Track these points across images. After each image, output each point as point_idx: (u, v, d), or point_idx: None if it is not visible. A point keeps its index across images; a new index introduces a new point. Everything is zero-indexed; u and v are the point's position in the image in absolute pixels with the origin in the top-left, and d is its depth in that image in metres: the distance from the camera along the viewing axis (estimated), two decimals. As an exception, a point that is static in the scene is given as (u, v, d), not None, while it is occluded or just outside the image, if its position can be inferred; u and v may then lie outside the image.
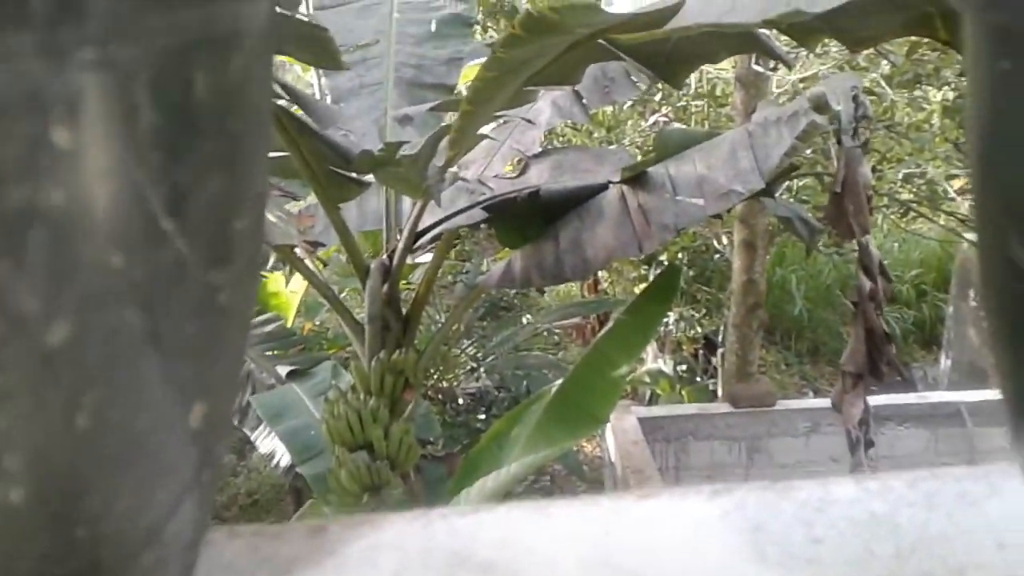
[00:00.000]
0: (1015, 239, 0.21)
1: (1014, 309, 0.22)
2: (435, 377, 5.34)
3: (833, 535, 0.35)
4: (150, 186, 0.22)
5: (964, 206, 4.64)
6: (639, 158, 3.14)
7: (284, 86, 2.07)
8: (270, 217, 2.43)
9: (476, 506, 0.41)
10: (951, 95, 4.00)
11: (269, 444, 2.80)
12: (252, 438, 2.92)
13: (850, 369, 2.30)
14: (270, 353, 3.21)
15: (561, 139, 6.13)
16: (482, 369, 5.27)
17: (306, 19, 2.33)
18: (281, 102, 2.03)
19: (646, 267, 6.07)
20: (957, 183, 4.63)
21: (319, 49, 1.93)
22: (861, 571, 0.33)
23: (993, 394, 4.55)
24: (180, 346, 0.24)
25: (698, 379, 6.23)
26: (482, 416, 4.92)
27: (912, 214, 5.77)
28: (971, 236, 5.04)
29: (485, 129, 2.37)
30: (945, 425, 4.32)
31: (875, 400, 4.24)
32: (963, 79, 3.95)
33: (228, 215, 0.25)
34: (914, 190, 4.91)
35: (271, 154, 2.41)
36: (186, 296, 0.24)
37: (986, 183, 0.24)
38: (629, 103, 5.69)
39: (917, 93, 4.28)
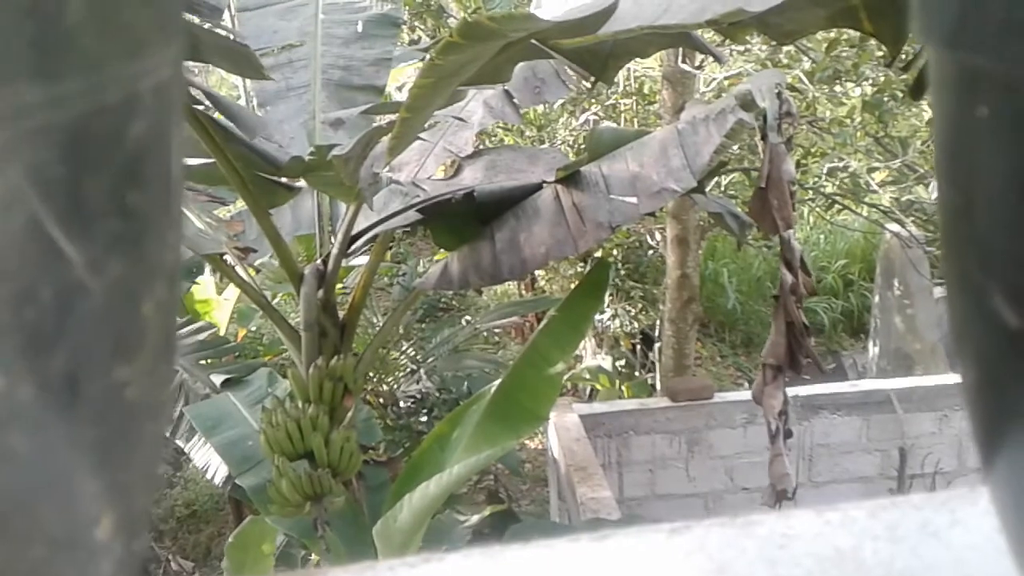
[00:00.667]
0: (995, 293, 0.19)
1: (991, 358, 0.21)
2: (375, 381, 5.30)
3: (799, 574, 0.34)
4: (40, 283, 0.19)
5: (886, 198, 4.79)
6: (571, 157, 3.17)
7: (207, 93, 2.03)
8: (198, 224, 2.38)
9: (427, 556, 0.38)
10: (870, 90, 4.12)
11: (204, 456, 2.74)
12: (186, 449, 2.85)
13: (770, 362, 2.35)
14: (203, 362, 3.15)
15: (493, 139, 6.14)
16: (422, 371, 5.24)
17: (226, 33, 2.28)
18: (203, 107, 1.99)
19: (582, 265, 6.12)
20: (879, 176, 4.78)
21: (241, 60, 1.89)
22: None
23: (921, 381, 4.71)
24: (81, 460, 0.21)
25: (637, 374, 6.30)
26: (424, 419, 4.90)
27: (837, 207, 5.94)
28: (894, 227, 5.21)
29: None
30: (876, 412, 4.46)
31: (809, 390, 4.37)
32: (881, 74, 4.08)
33: (134, 300, 0.22)
34: (838, 183, 5.05)
35: (196, 160, 2.37)
36: (85, 404, 0.21)
37: (960, 236, 0.22)
38: (559, 102, 5.73)
39: (838, 89, 4.40)
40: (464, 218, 2.38)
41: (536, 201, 2.32)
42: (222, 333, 4.17)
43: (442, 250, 2.95)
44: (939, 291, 6.03)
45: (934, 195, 4.35)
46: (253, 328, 5.63)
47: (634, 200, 2.17)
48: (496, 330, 6.70)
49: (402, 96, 3.11)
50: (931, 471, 4.36)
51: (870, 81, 4.18)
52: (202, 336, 3.25)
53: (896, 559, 0.34)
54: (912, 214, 5.05)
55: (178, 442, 2.91)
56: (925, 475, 4.36)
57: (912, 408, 4.43)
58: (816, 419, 4.46)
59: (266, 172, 2.11)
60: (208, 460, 2.73)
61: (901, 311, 5.87)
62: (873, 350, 6.26)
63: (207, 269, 2.99)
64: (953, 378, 4.66)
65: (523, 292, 7.23)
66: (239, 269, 2.55)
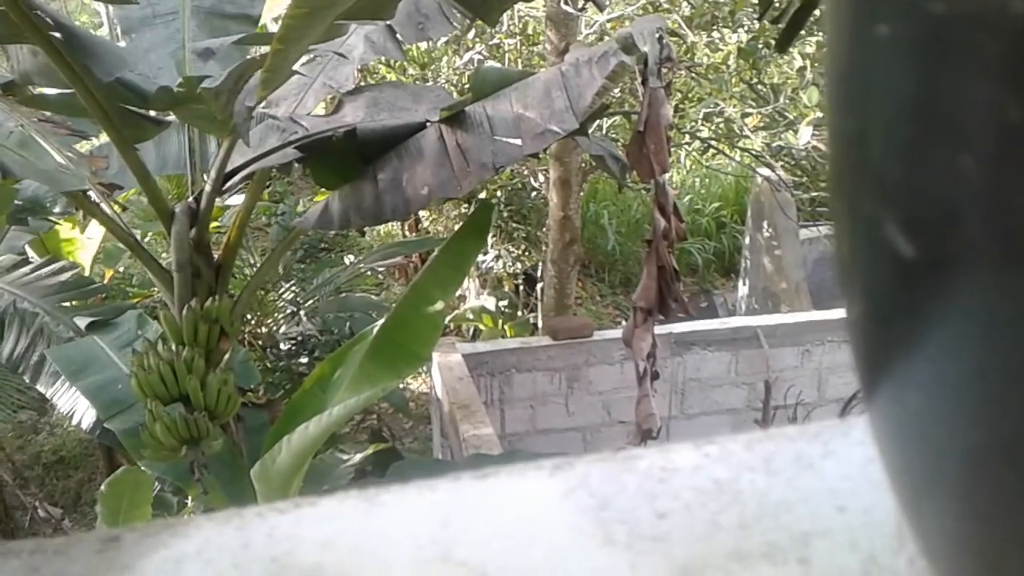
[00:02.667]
0: (889, 223, 0.19)
1: (880, 291, 0.21)
2: (253, 323, 5.16)
3: (678, 508, 0.35)
4: None
5: (757, 143, 4.96)
6: (456, 96, 3.12)
7: (59, 25, 1.88)
8: (58, 158, 2.22)
9: (298, 501, 0.36)
10: (745, 37, 4.23)
11: (70, 401, 2.61)
12: (49, 395, 2.71)
13: (641, 305, 2.41)
14: (66, 304, 2.98)
15: (375, 77, 5.99)
16: (303, 313, 5.14)
17: None
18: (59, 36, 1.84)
19: (467, 206, 6.10)
20: (751, 121, 4.94)
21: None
22: (708, 546, 0.33)
23: (785, 318, 4.97)
24: None
25: (519, 314, 6.39)
26: (305, 361, 4.82)
27: (712, 151, 6.12)
28: (764, 172, 5.42)
29: (296, 65, 2.26)
30: (744, 347, 4.68)
31: (682, 327, 4.54)
32: (755, 21, 4.19)
33: None
34: (713, 128, 5.19)
35: (55, 91, 2.20)
36: None
37: (853, 166, 0.21)
38: (443, 40, 5.62)
39: (715, 35, 4.50)
40: (345, 156, 2.31)
41: (419, 140, 2.28)
42: (87, 274, 3.95)
43: (323, 189, 2.87)
44: (805, 233, 6.34)
45: (802, 141, 4.53)
46: (121, 269, 5.37)
47: (518, 141, 2.17)
48: (379, 271, 6.63)
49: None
50: (793, 402, 4.63)
51: (745, 28, 4.29)
52: (64, 277, 3.07)
53: (772, 490, 0.35)
54: (781, 159, 5.26)
55: (39, 388, 2.76)
56: (788, 406, 4.63)
57: (777, 343, 4.68)
58: (688, 355, 4.65)
59: (132, 104, 1.98)
60: (74, 406, 2.61)
61: (769, 252, 6.15)
62: (743, 289, 6.54)
63: (62, 206, 2.80)
64: (815, 315, 4.94)
65: (407, 232, 7.17)
66: (104, 206, 2.41)
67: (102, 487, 2.46)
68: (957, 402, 0.19)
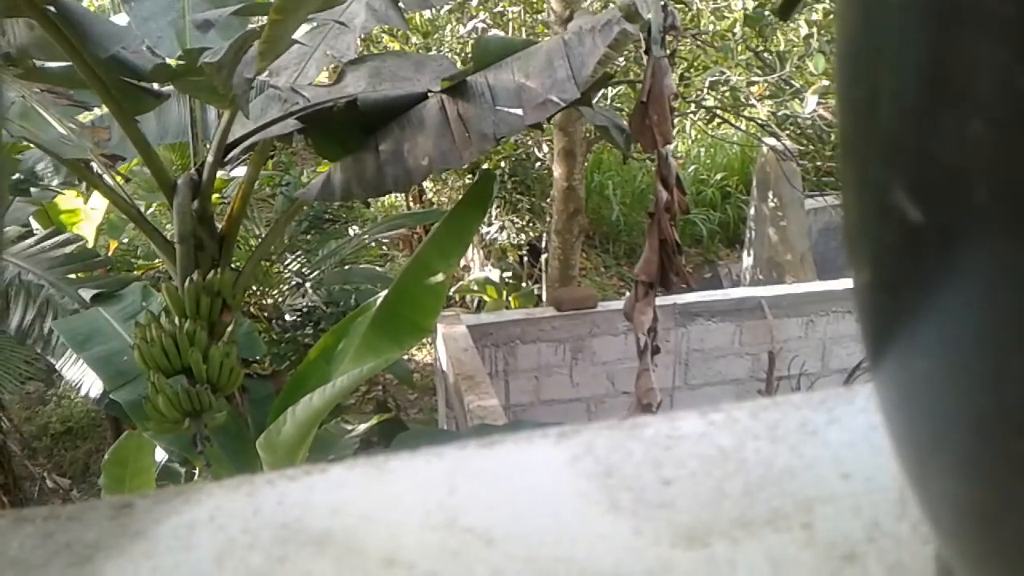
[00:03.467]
0: (898, 189, 0.19)
1: (888, 258, 0.21)
2: (259, 294, 5.17)
3: (683, 475, 0.35)
4: None
5: (763, 112, 4.92)
6: (459, 65, 3.10)
7: (55, 1, 1.86)
8: (60, 129, 2.22)
9: (308, 468, 0.36)
10: (751, 4, 4.18)
11: (77, 372, 2.63)
12: (57, 366, 2.72)
13: (643, 278, 2.40)
14: (72, 276, 2.99)
15: (378, 46, 5.94)
16: (308, 285, 5.15)
17: None
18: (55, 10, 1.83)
19: (471, 176, 6.08)
20: (757, 90, 4.90)
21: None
22: (713, 513, 0.33)
23: (790, 289, 4.96)
24: None
25: (523, 285, 6.39)
26: (310, 332, 4.83)
27: (717, 120, 6.07)
28: (770, 141, 5.38)
29: (297, 34, 2.24)
30: (748, 318, 4.68)
31: (686, 298, 4.54)
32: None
33: None
34: (719, 97, 5.15)
35: (56, 64, 2.19)
36: None
37: (862, 132, 0.21)
38: (447, 8, 5.57)
39: (721, 2, 4.45)
40: (347, 127, 2.30)
41: (421, 111, 2.27)
42: (91, 245, 3.96)
43: (325, 160, 2.86)
44: (810, 203, 6.32)
45: (808, 109, 4.50)
46: (125, 240, 5.37)
47: (519, 111, 2.15)
48: (384, 242, 6.62)
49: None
50: (797, 373, 4.64)
51: (752, -5, 4.24)
52: (68, 249, 3.08)
53: (777, 457, 0.35)
54: (787, 128, 5.22)
55: (49, 359, 2.78)
56: (791, 376, 4.64)
57: (781, 314, 4.67)
58: (692, 325, 4.65)
59: (130, 77, 1.97)
60: (81, 377, 2.62)
61: (774, 222, 6.13)
62: (747, 259, 6.53)
63: (65, 176, 2.79)
64: (820, 286, 4.94)
65: (411, 204, 7.15)
66: (107, 178, 2.40)
67: (106, 455, 2.48)
68: (964, 368, 0.19)
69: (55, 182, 2.82)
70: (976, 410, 0.19)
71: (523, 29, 5.65)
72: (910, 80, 0.19)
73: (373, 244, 5.95)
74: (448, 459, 0.37)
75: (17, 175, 2.66)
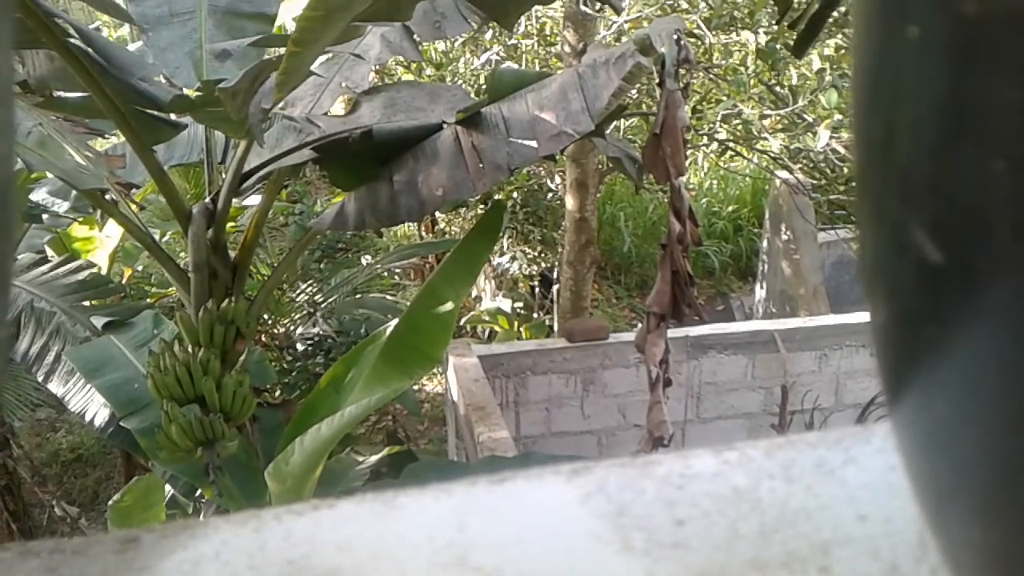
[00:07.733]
0: (916, 227, 0.19)
1: (906, 296, 0.20)
2: (271, 323, 5.18)
3: (697, 515, 0.34)
4: None
5: (775, 145, 4.93)
6: (473, 97, 3.12)
7: (78, 30, 1.89)
8: (77, 158, 2.24)
9: (315, 503, 0.36)
10: (764, 39, 4.21)
11: (83, 400, 2.63)
12: (61, 395, 2.73)
13: (655, 310, 2.39)
14: (85, 304, 3.00)
15: (393, 77, 6.00)
16: (319, 314, 5.16)
17: None
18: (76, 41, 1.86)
19: (483, 207, 6.10)
20: (770, 123, 4.91)
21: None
22: (726, 554, 0.32)
23: (803, 322, 4.94)
24: None
25: (535, 315, 6.38)
26: (321, 361, 4.83)
27: (730, 153, 6.09)
28: (783, 174, 5.38)
29: (312, 66, 2.27)
30: (761, 351, 4.66)
31: (699, 330, 4.52)
32: (774, 22, 4.16)
33: None
34: (731, 130, 5.17)
35: (75, 94, 2.22)
36: None
37: (879, 169, 0.20)
38: (460, 40, 5.63)
39: (734, 36, 4.48)
40: (361, 157, 2.32)
41: (435, 142, 2.28)
42: (105, 273, 3.99)
43: (339, 190, 2.88)
44: (823, 236, 6.30)
45: (821, 143, 4.51)
46: (140, 268, 5.41)
47: (533, 143, 2.16)
48: (396, 271, 6.64)
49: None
50: (810, 407, 4.60)
51: (764, 29, 4.26)
52: (81, 276, 3.10)
53: (792, 498, 0.35)
54: (800, 161, 5.23)
55: (51, 388, 2.79)
56: (805, 411, 4.60)
57: (794, 348, 4.65)
58: (704, 358, 4.63)
59: (147, 107, 2.00)
60: (87, 404, 2.63)
61: (787, 255, 6.11)
62: (760, 292, 6.51)
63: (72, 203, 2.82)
64: (833, 320, 4.91)
65: (423, 234, 7.18)
66: (122, 206, 2.43)
67: (115, 496, 2.48)
68: (986, 410, 0.19)
69: (62, 208, 2.84)
70: (999, 453, 0.18)
71: (536, 62, 5.70)
72: (928, 117, 0.18)
73: (385, 274, 5.97)
74: (457, 495, 0.36)
75: (29, 203, 2.69)
